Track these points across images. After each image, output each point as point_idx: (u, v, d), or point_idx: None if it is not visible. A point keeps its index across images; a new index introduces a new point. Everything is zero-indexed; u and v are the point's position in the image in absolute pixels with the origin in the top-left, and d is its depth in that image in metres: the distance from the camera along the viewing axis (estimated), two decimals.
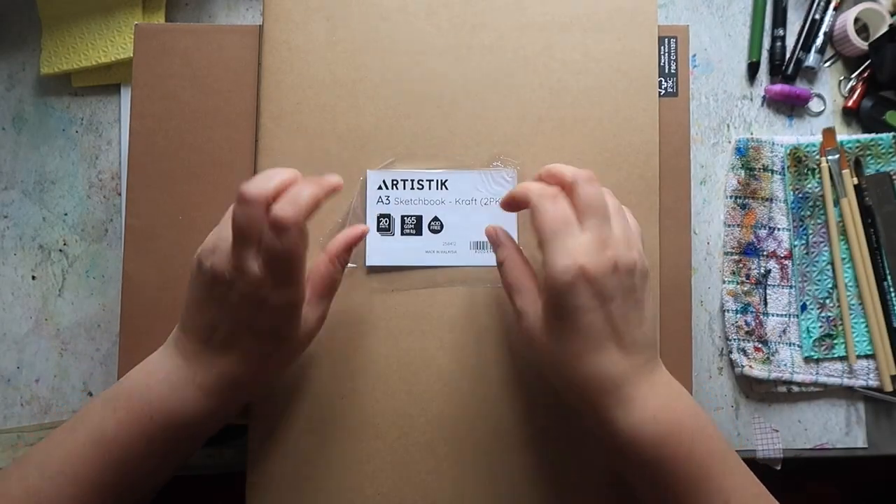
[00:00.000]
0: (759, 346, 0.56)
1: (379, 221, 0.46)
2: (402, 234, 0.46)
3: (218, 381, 0.39)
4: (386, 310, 0.46)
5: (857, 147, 0.57)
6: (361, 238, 0.42)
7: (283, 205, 0.34)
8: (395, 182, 0.46)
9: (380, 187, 0.46)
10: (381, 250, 0.45)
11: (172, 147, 0.48)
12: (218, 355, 0.39)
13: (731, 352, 0.56)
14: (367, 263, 0.46)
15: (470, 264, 0.46)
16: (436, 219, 0.45)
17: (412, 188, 0.45)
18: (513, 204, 0.40)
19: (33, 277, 0.56)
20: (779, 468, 0.56)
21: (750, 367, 0.55)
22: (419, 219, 0.45)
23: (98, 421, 0.38)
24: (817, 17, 0.60)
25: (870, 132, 0.58)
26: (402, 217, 0.45)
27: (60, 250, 0.56)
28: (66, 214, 0.57)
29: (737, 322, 0.56)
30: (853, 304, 0.56)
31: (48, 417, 0.55)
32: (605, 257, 0.37)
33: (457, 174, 0.45)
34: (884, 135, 0.58)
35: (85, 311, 0.56)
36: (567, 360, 0.37)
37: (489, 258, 0.45)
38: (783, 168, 0.58)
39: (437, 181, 0.45)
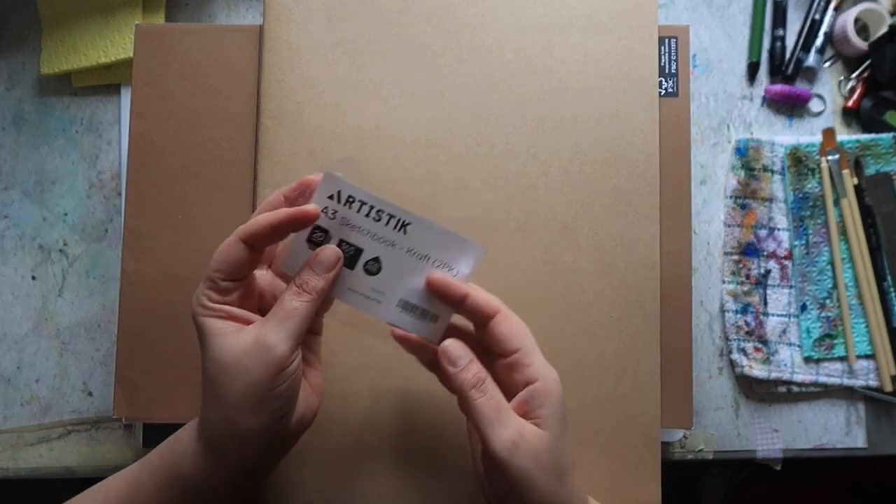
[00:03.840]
0: (759, 346, 0.56)
1: (313, 231, 0.37)
2: None
3: (221, 431, 0.37)
4: None
5: (857, 147, 0.57)
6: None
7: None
8: (350, 200, 0.37)
9: (332, 196, 0.37)
10: (300, 262, 0.37)
11: (172, 147, 0.48)
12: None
13: (731, 352, 0.56)
14: (281, 267, 0.38)
15: (389, 321, 0.39)
16: (376, 259, 0.38)
17: (367, 215, 0.37)
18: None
19: (33, 277, 0.56)
20: (779, 468, 0.56)
21: (750, 367, 0.55)
22: (357, 252, 0.38)
23: (137, 468, 0.40)
24: (817, 17, 0.60)
25: (870, 132, 0.58)
26: (341, 241, 0.37)
27: (60, 250, 0.56)
28: (66, 214, 0.57)
29: (737, 322, 0.56)
30: (853, 304, 0.56)
31: (48, 417, 0.55)
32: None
33: (422, 222, 0.37)
34: (884, 135, 0.58)
35: (85, 311, 0.56)
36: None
37: (413, 324, 0.39)
38: (783, 168, 0.58)
39: (400, 221, 0.37)
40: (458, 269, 0.38)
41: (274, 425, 0.37)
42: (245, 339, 0.35)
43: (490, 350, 0.38)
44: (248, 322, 0.37)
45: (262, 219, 0.36)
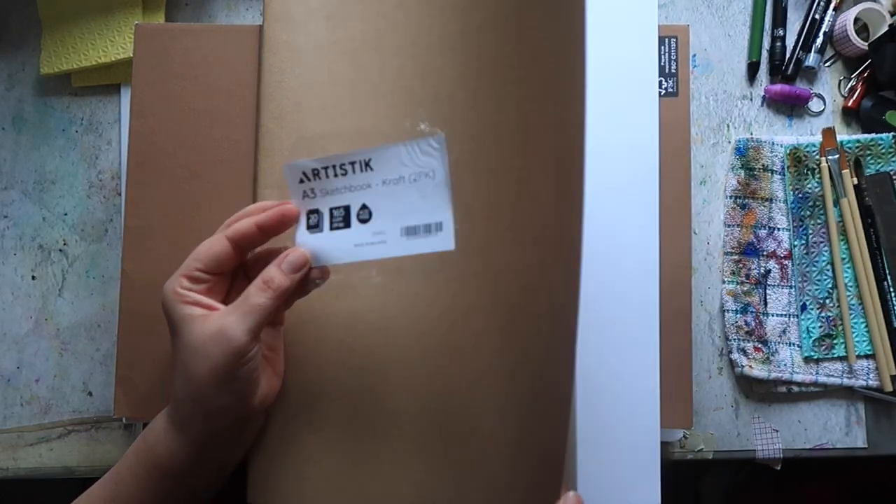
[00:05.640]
0: (759, 346, 0.56)
1: (308, 218, 0.40)
2: (332, 228, 0.40)
3: (190, 411, 0.39)
4: (386, 309, 0.46)
5: (857, 147, 0.57)
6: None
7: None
8: (316, 172, 0.40)
9: (301, 180, 0.40)
10: (309, 250, 0.40)
11: (172, 147, 0.48)
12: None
13: (731, 352, 0.56)
14: (314, 263, 0.41)
15: (402, 254, 0.40)
16: (364, 207, 0.39)
17: (335, 175, 0.39)
18: None
19: (33, 277, 0.56)
20: (779, 468, 0.56)
21: (750, 367, 0.55)
22: (347, 209, 0.40)
23: (118, 466, 0.41)
24: (817, 17, 0.60)
25: (870, 132, 0.58)
26: (331, 210, 0.40)
27: (60, 250, 0.56)
28: (66, 214, 0.57)
29: (737, 322, 0.56)
30: (853, 304, 0.56)
31: (48, 417, 0.55)
32: None
33: (380, 151, 0.39)
34: (884, 135, 0.58)
35: (85, 311, 0.56)
36: None
37: (423, 244, 0.40)
38: (783, 168, 0.58)
39: (360, 162, 0.39)
40: (435, 171, 0.39)
41: (238, 404, 0.39)
42: (210, 327, 0.37)
43: None
44: (212, 309, 0.39)
45: (249, 220, 0.39)
